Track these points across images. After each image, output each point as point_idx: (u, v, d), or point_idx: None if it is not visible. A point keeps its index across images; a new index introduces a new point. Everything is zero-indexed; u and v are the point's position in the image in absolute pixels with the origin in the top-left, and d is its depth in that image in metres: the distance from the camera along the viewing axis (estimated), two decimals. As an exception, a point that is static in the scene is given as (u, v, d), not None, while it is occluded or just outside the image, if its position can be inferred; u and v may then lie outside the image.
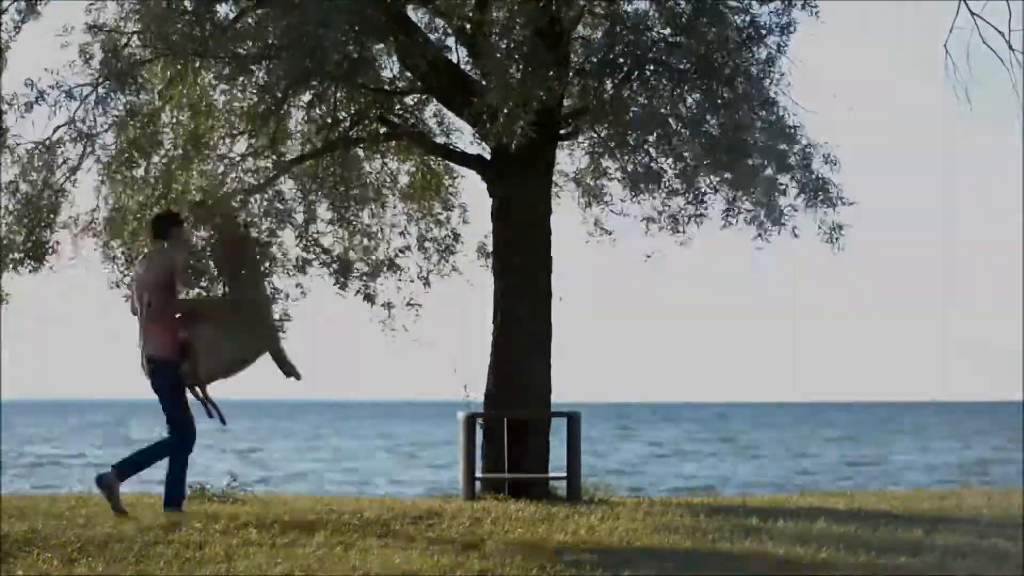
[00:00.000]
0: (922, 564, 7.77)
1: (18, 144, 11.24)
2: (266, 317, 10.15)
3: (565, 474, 11.06)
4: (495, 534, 8.73)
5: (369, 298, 12.14)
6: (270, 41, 10.56)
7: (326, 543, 8.31)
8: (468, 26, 11.04)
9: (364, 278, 12.19)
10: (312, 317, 12.49)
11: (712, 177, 11.04)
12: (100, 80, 11.24)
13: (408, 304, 12.22)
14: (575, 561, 7.75)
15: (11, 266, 11.28)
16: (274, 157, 11.66)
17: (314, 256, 11.89)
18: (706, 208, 11.25)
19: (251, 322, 9.86)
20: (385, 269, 12.33)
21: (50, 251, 11.36)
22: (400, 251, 12.44)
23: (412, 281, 12.37)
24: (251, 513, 9.57)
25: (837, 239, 11.10)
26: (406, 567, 7.61)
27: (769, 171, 10.73)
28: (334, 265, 11.94)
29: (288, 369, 9.86)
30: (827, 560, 7.85)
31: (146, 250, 10.84)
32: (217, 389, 9.79)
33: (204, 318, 9.71)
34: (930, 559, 7.89)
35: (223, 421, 9.79)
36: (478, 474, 11.13)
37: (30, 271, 11.33)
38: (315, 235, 11.91)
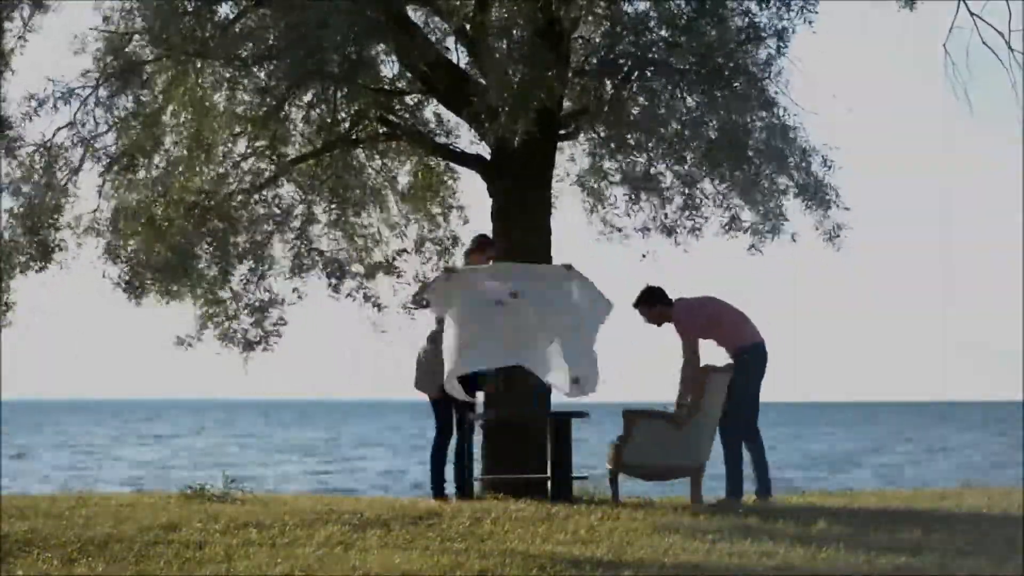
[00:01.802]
0: (922, 564, 7.77)
1: (20, 146, 11.27)
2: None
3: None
4: (495, 534, 8.73)
5: (367, 298, 12.15)
6: (270, 42, 10.58)
7: (326, 543, 8.31)
8: (468, 26, 11.04)
9: (360, 279, 12.19)
10: (313, 317, 12.53)
11: (712, 182, 11.08)
12: (101, 81, 11.27)
13: (403, 307, 12.24)
14: (575, 561, 7.76)
15: (17, 269, 11.30)
16: (274, 158, 11.67)
17: (311, 261, 11.88)
18: (704, 220, 11.30)
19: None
20: (382, 272, 12.33)
21: (56, 250, 11.40)
22: (397, 253, 12.44)
23: (408, 284, 12.39)
24: (251, 513, 9.57)
25: (836, 238, 11.19)
26: (406, 567, 7.61)
27: (768, 173, 10.76)
28: (329, 268, 11.93)
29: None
30: (827, 560, 7.85)
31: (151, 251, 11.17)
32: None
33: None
34: (930, 559, 7.89)
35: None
36: (479, 475, 11.15)
37: (37, 271, 11.36)
38: (312, 239, 11.91)
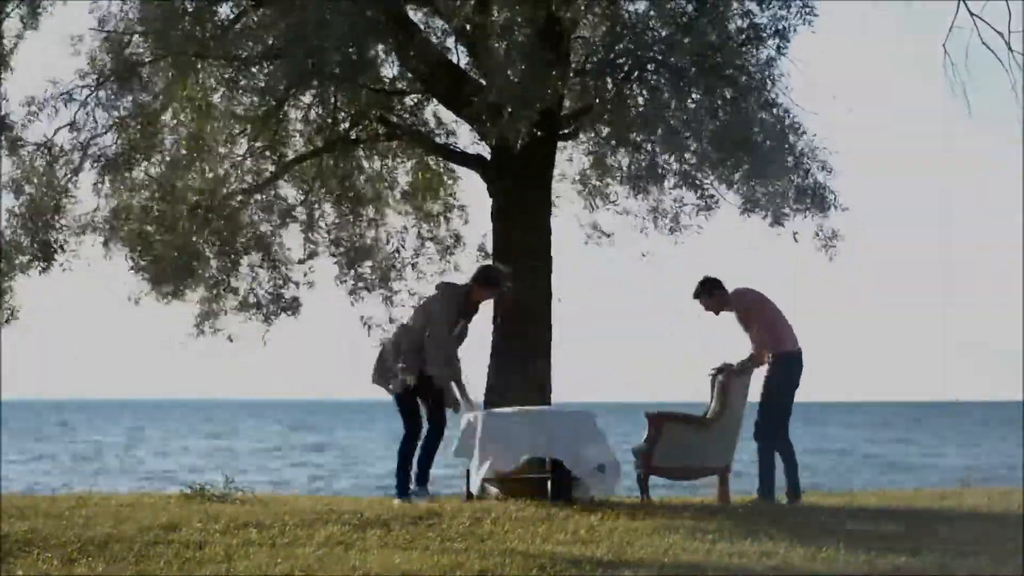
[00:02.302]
0: (922, 564, 7.77)
1: (22, 146, 11.28)
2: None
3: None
4: (495, 534, 8.72)
5: (368, 328, 12.26)
6: (270, 42, 10.58)
7: (326, 543, 8.31)
8: (468, 26, 11.04)
9: (372, 283, 12.25)
10: (317, 317, 12.58)
11: (721, 170, 11.03)
12: (101, 81, 11.28)
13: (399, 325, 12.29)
14: (575, 561, 7.75)
15: (18, 270, 11.31)
16: (274, 158, 11.68)
17: (322, 246, 11.95)
18: (715, 201, 11.23)
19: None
20: (392, 275, 12.38)
21: (59, 251, 11.41)
22: (394, 267, 12.48)
23: (402, 305, 12.47)
24: (251, 513, 9.57)
25: (831, 247, 11.19)
26: (406, 567, 7.60)
27: (771, 170, 10.76)
28: (342, 256, 11.98)
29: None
30: (827, 560, 7.84)
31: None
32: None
33: None
34: (930, 559, 7.89)
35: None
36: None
37: (40, 272, 11.38)
38: (321, 227, 11.97)
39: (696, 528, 8.91)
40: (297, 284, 11.99)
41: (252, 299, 12.00)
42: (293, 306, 11.99)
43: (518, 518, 9.31)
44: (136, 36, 11.32)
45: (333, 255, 11.95)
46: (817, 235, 11.15)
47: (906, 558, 7.88)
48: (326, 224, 12.16)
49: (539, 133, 10.26)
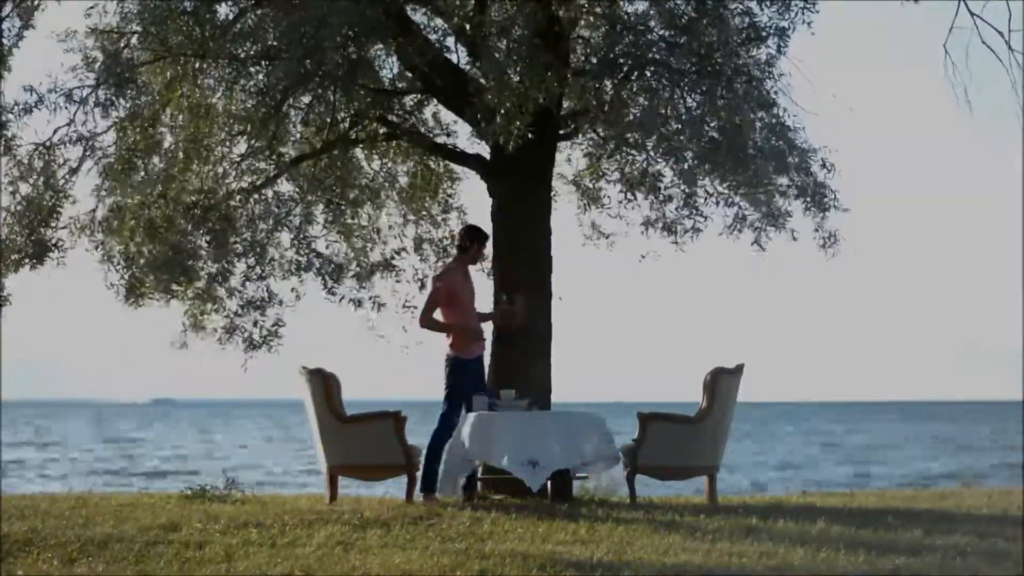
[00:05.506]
0: (922, 564, 7.77)
1: (19, 146, 11.28)
2: None
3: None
4: (495, 534, 8.73)
5: (358, 303, 12.14)
6: (269, 42, 10.58)
7: (326, 543, 8.32)
8: (468, 26, 11.04)
9: (357, 279, 12.20)
10: (310, 315, 12.52)
11: (713, 182, 11.01)
12: (100, 82, 11.27)
13: (404, 306, 12.23)
14: (575, 561, 7.76)
15: (13, 267, 11.30)
16: (273, 158, 11.66)
17: (307, 261, 11.88)
18: (704, 219, 11.16)
19: None
20: (380, 271, 12.34)
21: (53, 249, 11.40)
22: (396, 252, 12.44)
23: (408, 282, 12.39)
24: (251, 513, 9.58)
25: (831, 247, 11.16)
26: (406, 567, 7.61)
27: (769, 173, 10.74)
28: (327, 270, 11.92)
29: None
30: (827, 560, 7.85)
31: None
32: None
33: None
34: (930, 559, 7.89)
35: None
36: (480, 475, 11.15)
37: (31, 268, 11.36)
38: (310, 239, 11.88)
39: (696, 528, 8.92)
40: (281, 302, 11.86)
41: (234, 325, 11.85)
42: (269, 341, 11.78)
43: (518, 518, 9.31)
44: (134, 36, 11.32)
45: (318, 272, 11.87)
46: (817, 230, 11.11)
47: (906, 558, 7.89)
48: (317, 230, 12.08)
49: (531, 134, 10.22)
